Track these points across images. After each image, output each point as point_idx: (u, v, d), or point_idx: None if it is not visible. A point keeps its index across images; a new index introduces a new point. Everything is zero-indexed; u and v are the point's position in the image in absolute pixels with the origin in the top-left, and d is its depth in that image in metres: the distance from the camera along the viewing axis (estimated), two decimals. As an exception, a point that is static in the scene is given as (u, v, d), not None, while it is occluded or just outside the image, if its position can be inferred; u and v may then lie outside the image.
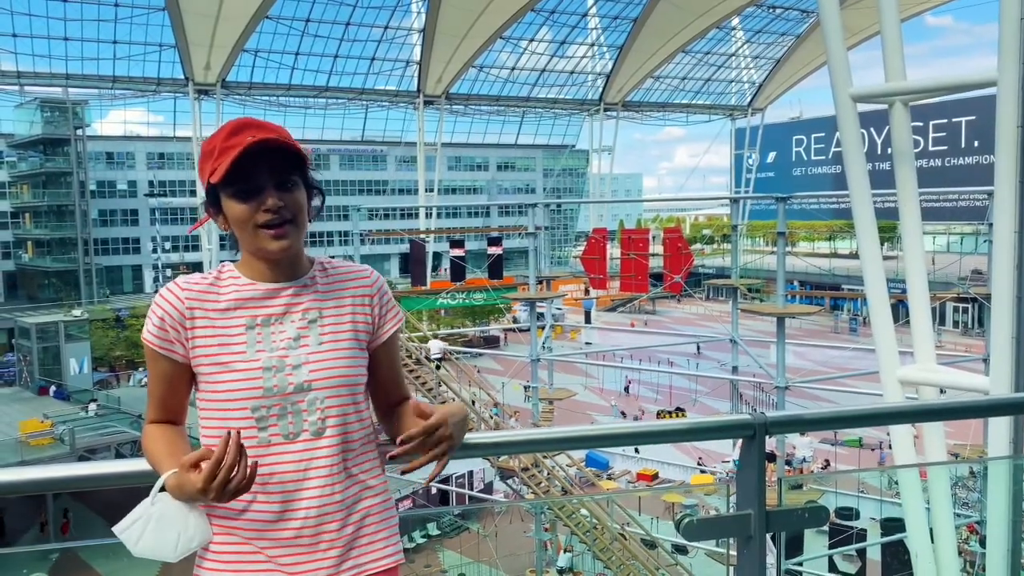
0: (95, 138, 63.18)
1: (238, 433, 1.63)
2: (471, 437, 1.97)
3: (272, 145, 1.76)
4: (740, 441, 2.01)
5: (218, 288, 1.83)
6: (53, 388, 36.12)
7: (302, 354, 1.81)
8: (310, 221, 1.88)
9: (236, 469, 1.62)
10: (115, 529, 1.69)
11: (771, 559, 2.09)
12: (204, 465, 1.62)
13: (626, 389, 41.62)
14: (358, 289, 1.93)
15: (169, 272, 61.67)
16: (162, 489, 1.70)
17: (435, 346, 24.99)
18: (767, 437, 2.01)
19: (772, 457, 22.04)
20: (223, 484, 1.61)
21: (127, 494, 1.81)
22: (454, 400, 23.75)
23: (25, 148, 60.80)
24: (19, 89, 51.12)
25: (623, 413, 39.23)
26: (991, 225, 19.13)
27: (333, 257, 2.10)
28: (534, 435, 2.54)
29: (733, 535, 1.96)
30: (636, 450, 30.20)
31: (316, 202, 1.90)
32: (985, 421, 10.95)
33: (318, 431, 1.80)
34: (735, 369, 25.36)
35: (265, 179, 1.78)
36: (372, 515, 1.89)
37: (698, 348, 46.07)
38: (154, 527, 1.67)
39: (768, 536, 2.01)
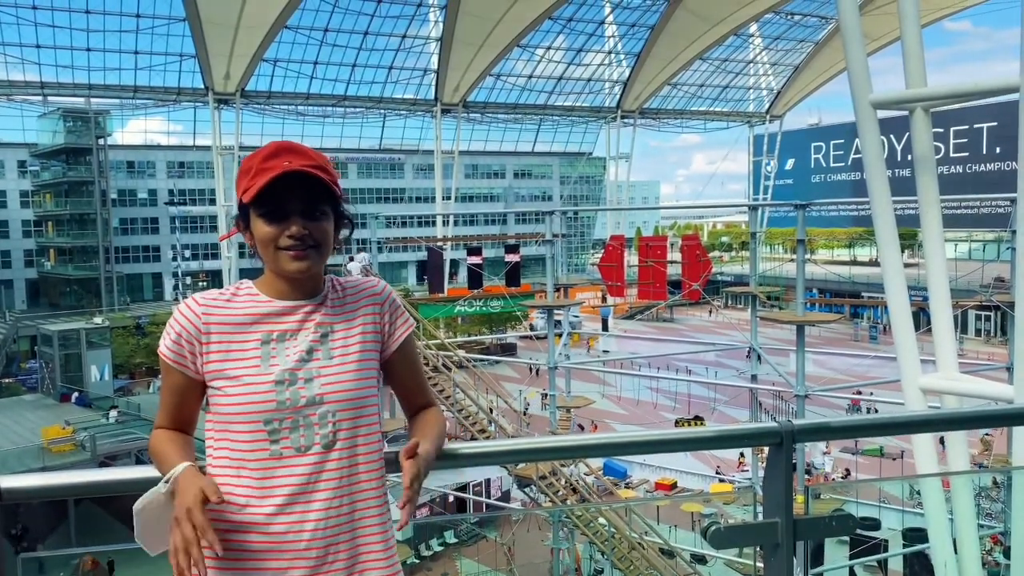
0: (116, 147, 63.98)
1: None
2: (487, 445, 1.98)
3: (305, 173, 1.78)
4: (751, 451, 2.00)
5: (235, 304, 1.85)
6: (75, 395, 36.42)
7: (314, 368, 1.82)
8: (337, 250, 1.90)
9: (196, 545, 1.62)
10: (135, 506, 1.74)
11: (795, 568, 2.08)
12: (196, 515, 1.63)
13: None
14: (368, 299, 1.95)
15: (189, 280, 62.21)
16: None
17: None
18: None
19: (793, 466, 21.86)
20: (184, 545, 1.62)
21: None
22: (471, 407, 23.75)
23: (48, 157, 61.60)
24: (42, 99, 51.93)
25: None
26: (1014, 232, 18.96)
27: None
28: (554, 443, 2.54)
29: (760, 543, 1.95)
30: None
31: (345, 232, 1.92)
32: (1009, 430, 10.81)
33: (329, 444, 1.80)
34: (754, 377, 25.19)
35: (294, 206, 1.81)
36: (376, 530, 1.87)
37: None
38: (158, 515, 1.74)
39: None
